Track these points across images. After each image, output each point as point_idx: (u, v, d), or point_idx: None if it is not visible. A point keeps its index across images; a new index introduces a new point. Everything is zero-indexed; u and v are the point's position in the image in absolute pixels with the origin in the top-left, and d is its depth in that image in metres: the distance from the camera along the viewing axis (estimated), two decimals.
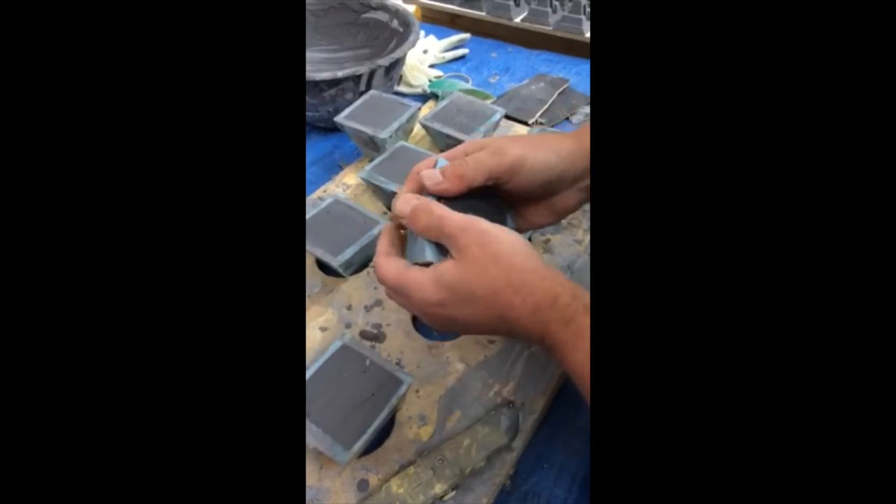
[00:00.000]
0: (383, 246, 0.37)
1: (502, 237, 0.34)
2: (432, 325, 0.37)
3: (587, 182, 0.41)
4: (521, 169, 0.37)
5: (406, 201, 0.36)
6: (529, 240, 0.54)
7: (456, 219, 0.34)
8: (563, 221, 0.57)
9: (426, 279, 0.34)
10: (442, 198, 0.37)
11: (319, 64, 0.81)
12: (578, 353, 0.31)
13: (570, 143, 0.39)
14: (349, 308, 0.50)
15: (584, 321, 0.31)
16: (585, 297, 0.32)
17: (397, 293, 0.36)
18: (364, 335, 0.48)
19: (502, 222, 0.38)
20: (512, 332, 0.34)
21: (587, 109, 0.74)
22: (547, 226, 0.44)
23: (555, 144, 0.39)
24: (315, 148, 0.71)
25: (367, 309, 0.50)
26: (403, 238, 0.39)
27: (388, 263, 0.36)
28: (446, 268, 0.34)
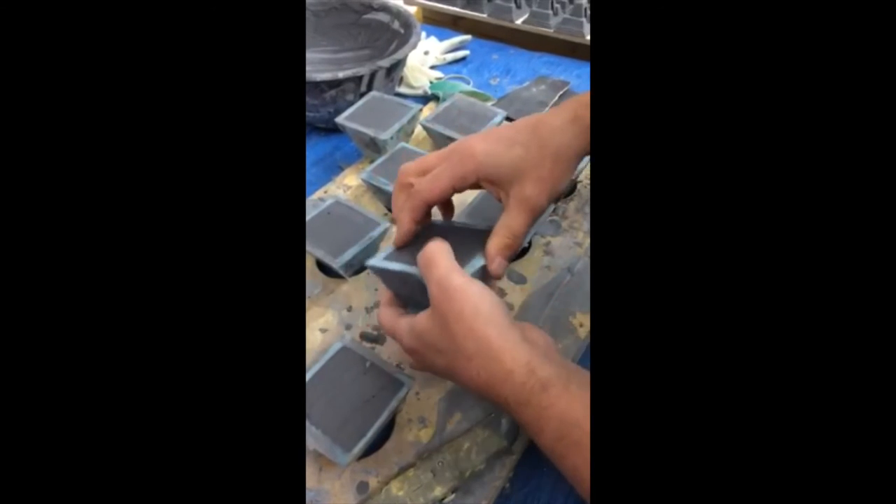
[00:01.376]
0: (385, 296, 0.40)
1: (469, 296, 0.33)
2: (422, 370, 0.38)
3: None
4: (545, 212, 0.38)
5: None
6: (529, 244, 0.54)
7: (440, 269, 0.34)
8: (564, 224, 0.57)
9: (406, 326, 0.36)
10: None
11: (320, 64, 0.81)
12: (544, 435, 0.31)
13: (575, 144, 0.39)
14: (349, 310, 0.50)
15: (542, 401, 0.30)
16: (545, 370, 0.31)
17: (393, 337, 0.38)
18: (364, 337, 0.48)
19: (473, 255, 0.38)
20: (486, 399, 0.34)
21: None
22: (550, 203, 0.41)
23: (565, 154, 0.39)
24: (315, 149, 0.71)
25: (368, 311, 0.49)
26: None
27: (385, 312, 0.38)
28: (421, 318, 0.34)
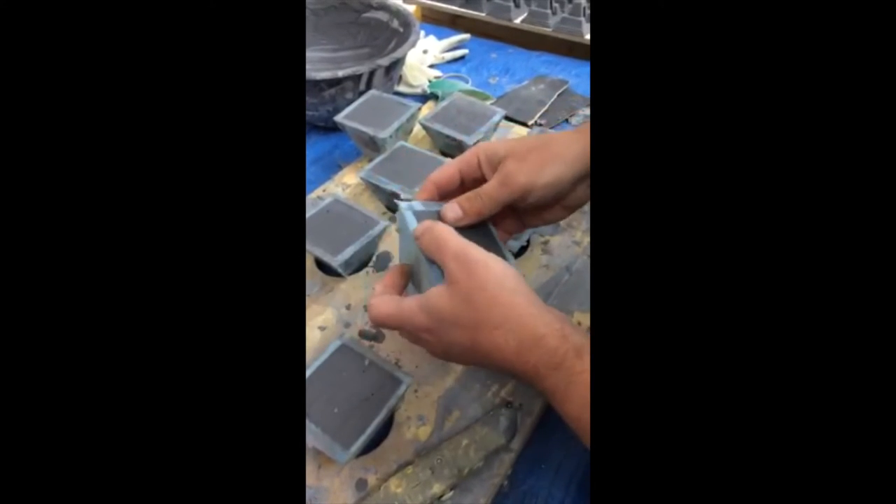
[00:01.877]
0: (378, 287, 0.38)
1: (492, 268, 0.33)
2: (430, 352, 0.37)
3: None
4: (529, 193, 0.38)
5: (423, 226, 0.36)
6: (528, 243, 0.55)
7: (452, 244, 0.34)
8: (562, 223, 0.57)
9: (416, 305, 0.34)
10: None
11: (319, 63, 0.81)
12: (571, 402, 0.30)
13: (577, 148, 0.39)
14: (348, 308, 0.50)
15: (575, 366, 0.30)
16: (578, 338, 0.31)
17: (393, 327, 0.36)
18: (363, 335, 0.48)
19: (497, 248, 0.39)
20: (502, 371, 0.34)
21: (587, 111, 0.74)
22: (560, 220, 0.44)
23: (562, 151, 0.39)
24: (315, 147, 0.71)
25: (366, 309, 0.50)
26: (405, 277, 0.40)
27: (381, 301, 0.36)
28: (436, 294, 0.33)
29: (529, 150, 0.39)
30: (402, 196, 0.53)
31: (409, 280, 0.40)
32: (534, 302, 0.33)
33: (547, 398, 0.32)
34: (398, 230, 0.42)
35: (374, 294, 0.37)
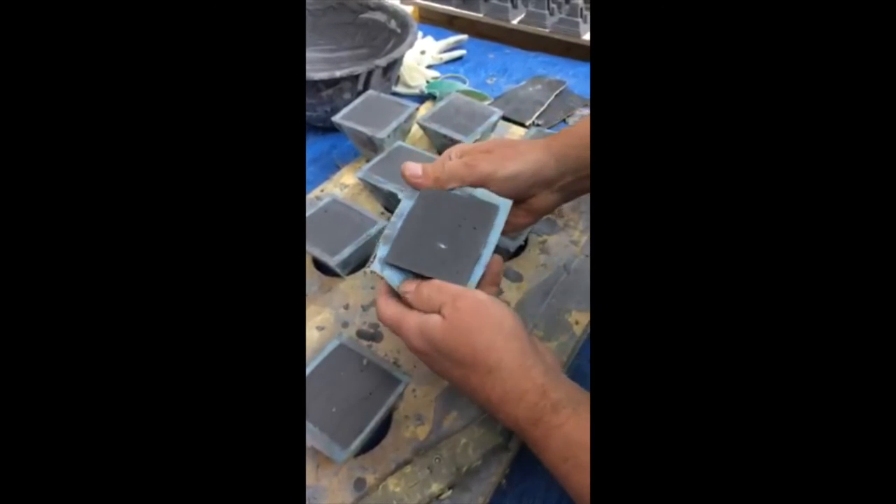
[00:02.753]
0: (385, 287, 0.38)
1: (493, 310, 0.34)
2: (431, 369, 0.37)
3: (560, 185, 0.43)
4: (489, 181, 0.40)
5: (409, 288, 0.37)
6: (526, 242, 0.55)
7: (454, 287, 0.35)
8: (560, 222, 0.57)
9: (415, 326, 0.35)
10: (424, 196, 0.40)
11: (317, 64, 0.81)
12: (551, 454, 0.32)
13: (538, 153, 0.42)
14: (346, 307, 0.50)
15: (553, 420, 0.31)
16: (556, 393, 0.32)
17: (395, 332, 0.37)
18: (361, 335, 0.48)
19: (477, 254, 0.38)
20: (494, 415, 0.35)
21: (584, 111, 0.74)
22: (526, 226, 0.47)
23: (525, 152, 0.42)
24: (313, 147, 0.71)
25: (365, 308, 0.50)
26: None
27: (388, 305, 0.37)
28: (433, 323, 0.34)
29: (497, 146, 0.42)
30: (400, 196, 0.53)
31: None
32: (525, 351, 0.33)
33: (531, 449, 0.34)
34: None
35: (381, 292, 0.38)
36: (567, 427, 0.31)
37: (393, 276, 0.37)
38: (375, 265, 0.37)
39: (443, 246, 0.38)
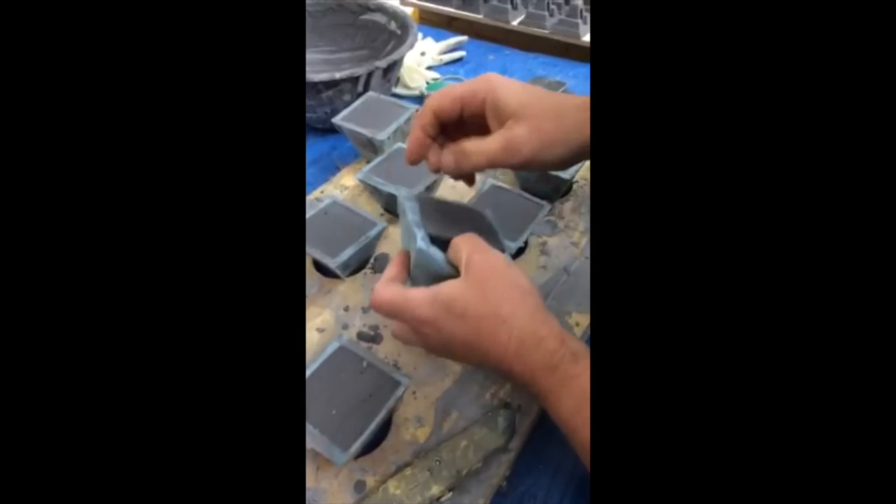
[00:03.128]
0: (386, 273, 0.37)
1: (511, 271, 0.34)
2: (423, 345, 0.36)
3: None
4: (527, 166, 0.37)
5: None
6: (526, 244, 0.55)
7: (479, 245, 0.35)
8: (560, 224, 0.57)
9: (424, 296, 0.34)
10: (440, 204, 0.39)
11: (317, 65, 0.81)
12: (564, 404, 0.31)
13: (586, 127, 0.37)
14: (346, 309, 0.50)
15: (571, 370, 0.31)
16: (574, 343, 0.32)
17: (392, 315, 0.36)
18: (361, 337, 0.48)
19: (497, 239, 0.39)
20: (497, 369, 0.34)
21: None
22: (530, 159, 0.39)
23: (572, 131, 0.37)
24: (312, 149, 0.71)
25: (365, 310, 0.50)
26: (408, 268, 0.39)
27: (387, 287, 0.35)
28: (449, 285, 0.34)
29: (542, 117, 0.37)
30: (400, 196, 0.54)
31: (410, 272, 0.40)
32: (540, 307, 0.34)
33: (539, 401, 0.33)
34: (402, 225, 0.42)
35: (382, 278, 0.37)
36: (584, 378, 0.31)
37: (437, 254, 0.36)
38: (420, 244, 0.36)
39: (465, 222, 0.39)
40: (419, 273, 0.38)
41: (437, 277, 0.36)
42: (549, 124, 0.37)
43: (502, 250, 0.39)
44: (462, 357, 0.36)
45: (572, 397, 0.30)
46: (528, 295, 0.33)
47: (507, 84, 0.37)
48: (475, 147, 0.37)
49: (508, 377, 0.34)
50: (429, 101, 0.39)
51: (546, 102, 0.37)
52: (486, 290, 0.33)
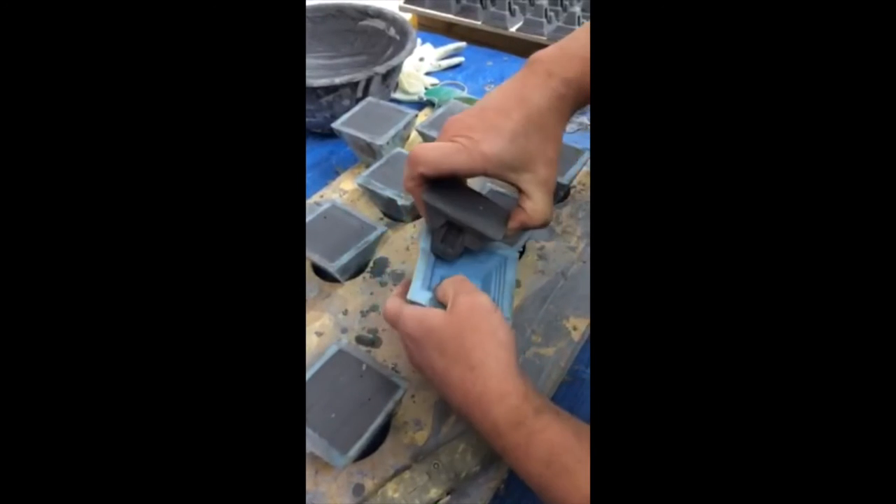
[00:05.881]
0: (398, 289, 0.41)
1: (493, 317, 0.35)
2: (409, 359, 0.39)
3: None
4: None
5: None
6: (524, 248, 0.55)
7: (469, 287, 0.37)
8: (558, 229, 0.57)
9: (414, 314, 0.37)
10: (442, 185, 0.40)
11: (317, 70, 0.81)
12: (533, 459, 0.31)
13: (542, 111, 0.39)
14: (345, 313, 0.50)
15: (536, 424, 0.31)
16: (537, 400, 0.32)
17: (391, 324, 0.39)
18: (360, 340, 0.48)
19: (499, 219, 0.40)
20: (460, 413, 0.35)
21: (581, 118, 0.75)
22: None
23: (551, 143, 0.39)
24: (312, 153, 0.72)
25: (364, 314, 0.50)
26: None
27: (393, 300, 0.39)
28: (435, 313, 0.36)
29: (541, 151, 0.38)
30: (399, 203, 0.54)
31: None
32: (511, 363, 0.34)
33: (506, 458, 0.33)
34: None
35: (394, 293, 0.41)
36: (550, 431, 0.31)
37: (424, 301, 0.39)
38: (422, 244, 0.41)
39: (480, 207, 0.41)
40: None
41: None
42: (549, 150, 0.39)
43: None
44: (432, 382, 0.37)
45: (540, 452, 0.30)
46: (501, 348, 0.34)
47: (493, 150, 0.37)
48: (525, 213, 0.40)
49: (473, 426, 0.35)
50: (417, 167, 0.38)
51: (529, 134, 0.38)
52: (463, 332, 0.34)
